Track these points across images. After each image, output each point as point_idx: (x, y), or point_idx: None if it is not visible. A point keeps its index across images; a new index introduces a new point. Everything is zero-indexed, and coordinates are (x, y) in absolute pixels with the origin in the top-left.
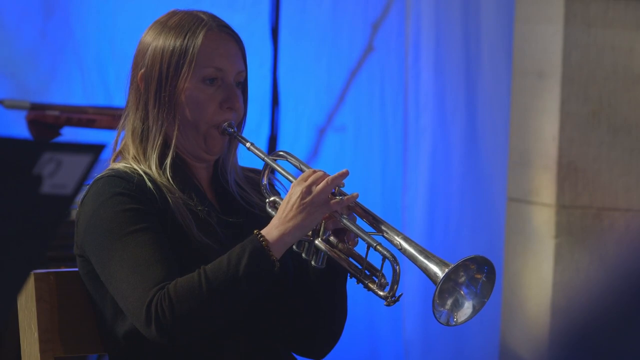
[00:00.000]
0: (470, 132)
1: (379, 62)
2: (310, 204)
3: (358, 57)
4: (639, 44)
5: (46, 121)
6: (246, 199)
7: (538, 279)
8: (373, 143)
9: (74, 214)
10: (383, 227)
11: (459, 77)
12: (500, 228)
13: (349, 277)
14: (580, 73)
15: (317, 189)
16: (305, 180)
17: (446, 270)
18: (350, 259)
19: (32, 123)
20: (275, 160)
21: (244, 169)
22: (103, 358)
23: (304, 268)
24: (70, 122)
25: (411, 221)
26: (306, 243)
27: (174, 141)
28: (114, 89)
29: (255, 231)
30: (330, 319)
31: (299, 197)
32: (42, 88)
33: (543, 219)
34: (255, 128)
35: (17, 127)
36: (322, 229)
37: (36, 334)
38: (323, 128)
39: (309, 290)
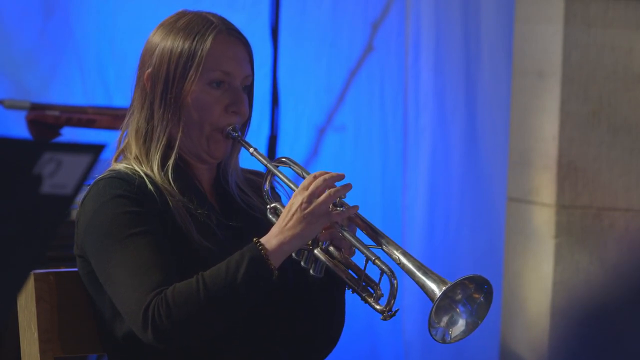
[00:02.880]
0: (470, 132)
1: (379, 62)
2: (311, 214)
3: (358, 57)
4: (639, 44)
5: (46, 121)
6: (247, 202)
7: (538, 279)
8: (373, 143)
9: (74, 214)
10: (382, 241)
11: (459, 77)
12: (500, 228)
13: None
14: (580, 73)
15: (318, 200)
16: (307, 189)
17: (444, 288)
18: (349, 271)
19: (32, 123)
20: (278, 166)
21: (244, 170)
22: (103, 358)
23: (303, 274)
24: (70, 122)
25: (411, 221)
26: (305, 252)
27: (177, 142)
28: (114, 89)
29: (254, 239)
30: (329, 324)
31: (299, 206)
32: (42, 88)
33: (543, 219)
34: (256, 128)
35: (17, 127)
36: (321, 239)
37: (36, 334)
38: (323, 128)
39: (307, 297)
